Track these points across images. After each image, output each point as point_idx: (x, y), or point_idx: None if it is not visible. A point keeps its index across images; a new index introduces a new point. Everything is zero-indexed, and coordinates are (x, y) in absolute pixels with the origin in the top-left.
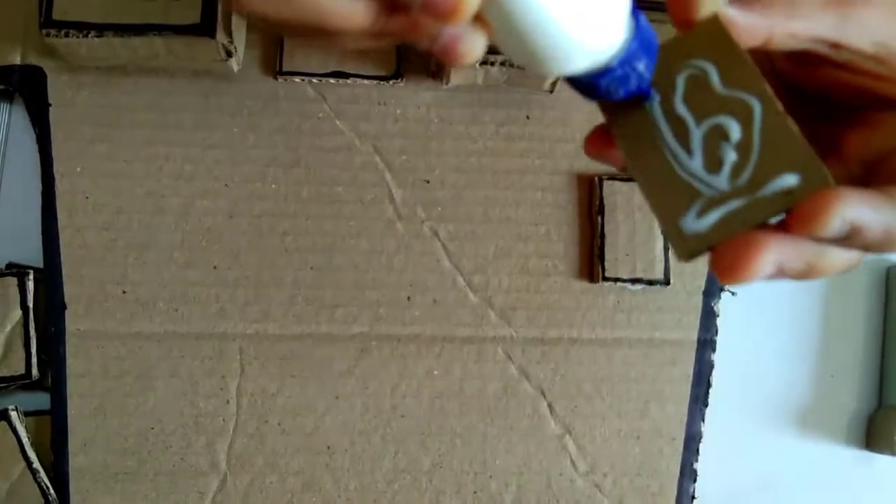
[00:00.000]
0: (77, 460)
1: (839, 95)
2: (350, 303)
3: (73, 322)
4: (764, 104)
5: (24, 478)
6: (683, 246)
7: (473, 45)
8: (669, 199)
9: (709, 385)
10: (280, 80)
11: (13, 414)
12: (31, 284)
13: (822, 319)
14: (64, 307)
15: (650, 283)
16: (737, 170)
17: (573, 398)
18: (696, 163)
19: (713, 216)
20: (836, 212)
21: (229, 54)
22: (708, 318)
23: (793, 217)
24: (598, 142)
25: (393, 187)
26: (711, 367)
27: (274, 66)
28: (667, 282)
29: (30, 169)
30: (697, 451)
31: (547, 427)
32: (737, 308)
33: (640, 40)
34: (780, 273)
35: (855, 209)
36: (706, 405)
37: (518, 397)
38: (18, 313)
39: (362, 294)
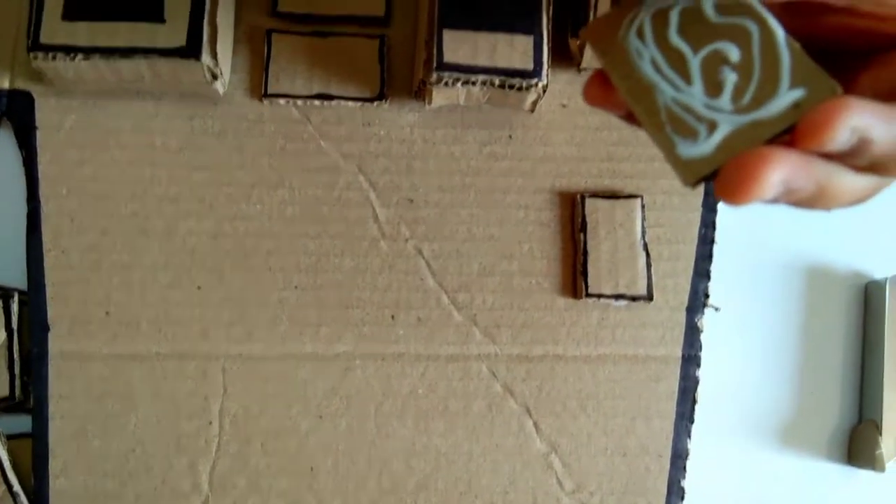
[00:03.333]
0: (58, 483)
1: (843, 44)
2: (334, 322)
3: (56, 343)
4: (761, 26)
5: (5, 502)
6: (688, 171)
7: None
8: (671, 127)
9: (694, 401)
10: (265, 102)
11: None
12: (15, 307)
13: (802, 335)
14: (47, 329)
15: (633, 298)
16: (739, 90)
17: (559, 415)
18: (696, 89)
19: (717, 137)
20: (845, 120)
21: (215, 77)
22: (692, 334)
23: (799, 130)
24: (596, 87)
25: (377, 206)
26: (696, 382)
27: (259, 89)
28: (650, 297)
29: (16, 191)
30: (684, 468)
31: (533, 445)
32: (719, 324)
33: None
34: (791, 195)
35: (864, 117)
36: (692, 421)
37: (503, 415)
38: (3, 335)
39: (346, 313)
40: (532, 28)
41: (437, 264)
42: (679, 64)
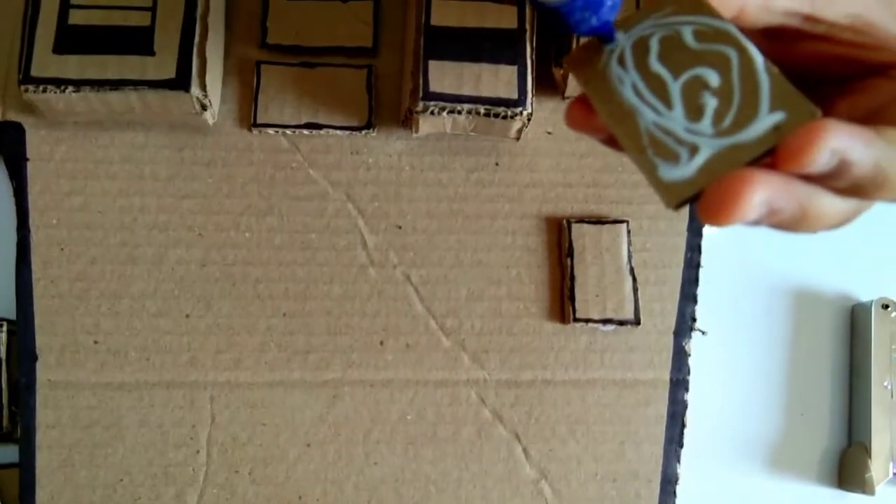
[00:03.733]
0: None
1: (821, 70)
2: (322, 348)
3: (44, 373)
4: (740, 52)
5: None
6: (670, 194)
7: None
8: (653, 150)
9: (683, 425)
10: (254, 131)
11: None
12: (4, 336)
13: (789, 358)
14: (35, 358)
15: (621, 323)
16: (719, 114)
17: (548, 441)
18: (677, 113)
19: (698, 160)
20: (825, 142)
21: (204, 108)
22: (679, 358)
23: (780, 152)
24: (578, 111)
25: (365, 233)
26: (685, 406)
27: (248, 119)
28: (637, 322)
29: (6, 221)
30: (674, 493)
31: (522, 471)
32: (707, 349)
33: None
34: (773, 216)
35: (843, 140)
36: (681, 445)
37: (492, 441)
38: None
39: (335, 339)
40: (516, 58)
41: (426, 290)
42: (660, 89)
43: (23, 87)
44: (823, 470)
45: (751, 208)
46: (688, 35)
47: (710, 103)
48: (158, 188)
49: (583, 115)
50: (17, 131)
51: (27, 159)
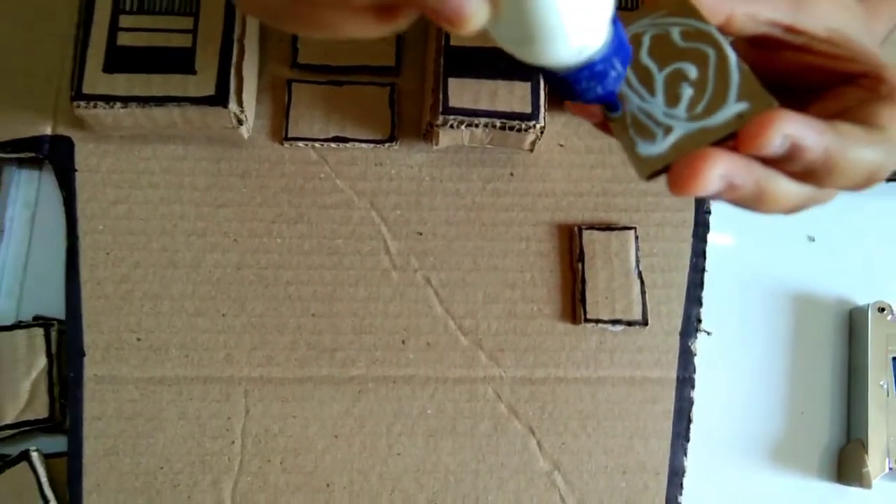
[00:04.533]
0: (91, 498)
1: (799, 78)
2: (348, 347)
3: (91, 368)
4: (718, 51)
5: None
6: (644, 166)
7: (478, 10)
8: (634, 130)
9: (689, 421)
10: (286, 145)
11: (34, 455)
12: (55, 335)
13: (790, 359)
14: (83, 354)
15: (629, 323)
16: (693, 102)
17: (560, 435)
18: (659, 100)
19: (671, 139)
20: (778, 127)
21: (240, 122)
22: (685, 357)
23: (740, 136)
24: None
25: (388, 239)
26: (691, 403)
27: (280, 133)
28: (645, 322)
29: (56, 228)
30: (681, 485)
31: (536, 463)
32: (712, 348)
33: (618, 43)
34: (733, 191)
35: (795, 126)
36: (688, 440)
37: (508, 435)
38: (44, 361)
39: (360, 338)
40: (529, 75)
41: (445, 292)
42: (646, 79)
43: (75, 104)
44: (823, 465)
45: (710, 181)
46: (675, 34)
47: (687, 92)
48: (197, 197)
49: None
50: (66, 144)
51: (76, 170)
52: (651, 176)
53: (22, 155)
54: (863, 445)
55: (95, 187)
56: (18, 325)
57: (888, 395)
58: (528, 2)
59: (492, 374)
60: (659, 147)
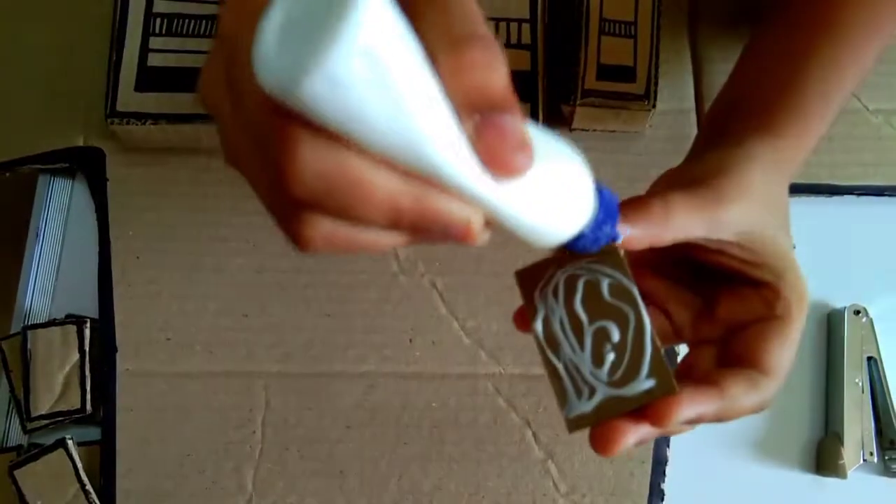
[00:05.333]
0: (124, 483)
1: (718, 268)
2: (360, 345)
3: (123, 363)
4: (637, 315)
5: (78, 498)
6: (572, 424)
7: (480, 233)
8: (568, 381)
9: None
10: None
11: (70, 442)
12: (87, 332)
13: None
14: (115, 350)
15: None
16: (614, 368)
17: (555, 427)
18: (587, 357)
19: (594, 401)
20: (678, 412)
21: None
22: (670, 355)
23: (648, 413)
24: (519, 319)
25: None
26: None
27: None
28: None
29: (88, 234)
30: (664, 472)
31: (532, 453)
32: None
33: (604, 210)
34: (647, 441)
35: (692, 409)
36: None
37: (506, 427)
38: (76, 356)
39: (370, 337)
40: (529, 96)
41: (449, 295)
42: (578, 330)
43: (109, 120)
44: (802, 457)
45: (625, 445)
46: (605, 287)
47: (609, 357)
48: (221, 206)
49: (522, 323)
50: (98, 156)
51: (107, 180)
52: (575, 431)
53: (56, 166)
54: (839, 439)
55: (125, 196)
56: (53, 323)
57: (863, 392)
58: (514, 224)
59: (492, 370)
60: (584, 407)
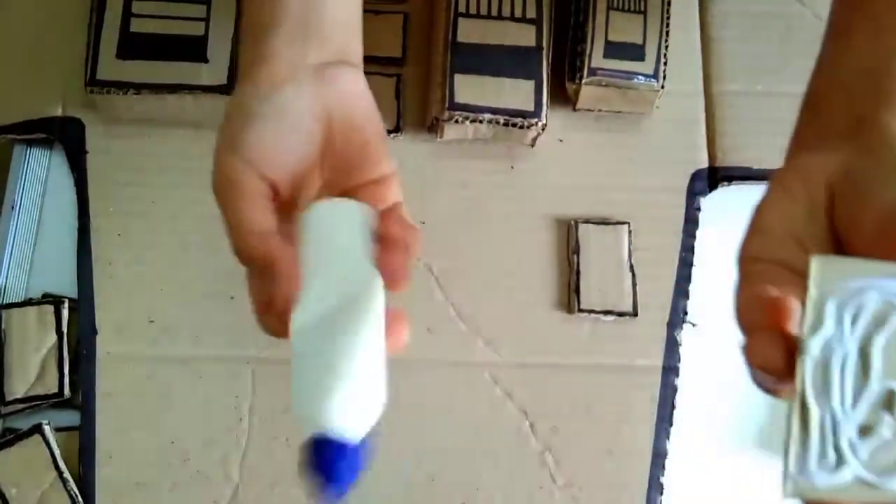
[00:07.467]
0: (103, 471)
1: None
2: None
3: (103, 346)
4: None
5: (55, 486)
6: (791, 486)
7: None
8: (813, 438)
9: (673, 407)
10: None
11: (46, 428)
12: (65, 312)
13: None
14: (95, 332)
15: (620, 314)
16: (884, 449)
17: (552, 418)
18: (856, 418)
19: (837, 477)
20: None
21: None
22: (672, 347)
23: None
24: (775, 314)
25: None
26: (675, 390)
27: None
28: (635, 313)
29: (66, 209)
30: (664, 466)
31: (529, 444)
32: (698, 339)
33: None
34: None
35: None
36: (671, 425)
37: (503, 417)
38: (53, 338)
39: None
40: (533, 74)
41: (446, 280)
42: (860, 380)
43: (88, 89)
44: None
45: None
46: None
47: (884, 433)
48: (207, 181)
49: (778, 315)
50: (77, 126)
51: (87, 152)
52: (795, 497)
53: (33, 136)
54: None
55: (106, 169)
56: (29, 302)
57: None
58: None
59: (489, 359)
60: (819, 477)
